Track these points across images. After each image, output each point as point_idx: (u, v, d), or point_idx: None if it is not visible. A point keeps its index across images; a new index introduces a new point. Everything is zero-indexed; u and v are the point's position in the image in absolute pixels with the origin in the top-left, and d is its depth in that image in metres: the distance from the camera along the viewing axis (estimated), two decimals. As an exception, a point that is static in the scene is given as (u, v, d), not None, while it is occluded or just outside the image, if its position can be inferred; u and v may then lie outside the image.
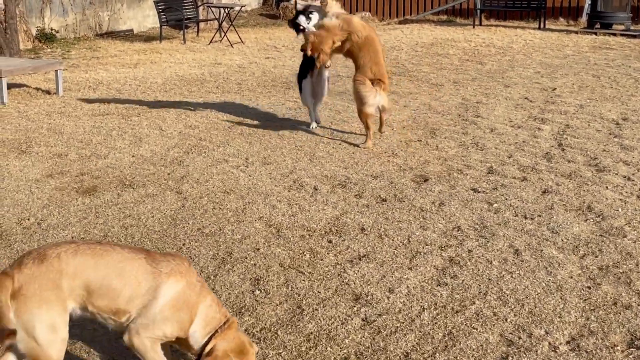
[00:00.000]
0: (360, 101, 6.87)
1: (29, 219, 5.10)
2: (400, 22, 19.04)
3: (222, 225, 5.01)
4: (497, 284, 4.14)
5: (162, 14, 15.43)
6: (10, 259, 4.35)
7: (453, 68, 11.80)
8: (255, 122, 8.00)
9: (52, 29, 14.96)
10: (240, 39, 15.45)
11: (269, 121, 8.07)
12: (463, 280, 4.18)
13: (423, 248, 4.64)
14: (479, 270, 4.32)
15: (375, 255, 4.53)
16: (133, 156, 6.66)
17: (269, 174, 6.17)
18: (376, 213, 5.25)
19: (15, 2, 12.16)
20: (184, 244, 4.70)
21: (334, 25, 6.72)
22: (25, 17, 14.30)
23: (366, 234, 4.87)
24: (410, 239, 4.80)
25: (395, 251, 4.61)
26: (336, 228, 4.98)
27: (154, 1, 15.82)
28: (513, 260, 4.45)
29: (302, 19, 7.31)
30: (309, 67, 7.35)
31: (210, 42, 15.34)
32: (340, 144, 7.10)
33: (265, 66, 12.21)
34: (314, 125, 7.66)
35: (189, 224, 5.04)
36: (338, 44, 6.77)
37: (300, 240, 4.78)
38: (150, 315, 2.85)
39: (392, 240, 4.77)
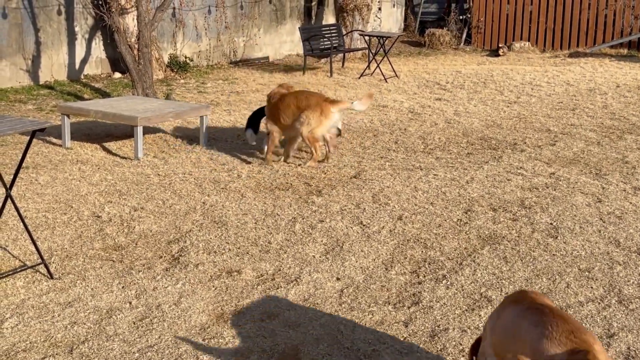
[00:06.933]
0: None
1: None
2: (570, 56, 16.29)
3: None
4: None
5: (306, 42, 13.37)
6: None
7: (695, 125, 9.03)
8: (489, 214, 5.58)
9: (185, 56, 13.14)
10: (394, 72, 13.19)
11: (505, 211, 5.63)
12: None
13: None
14: None
15: None
16: (338, 279, 4.35)
17: None
18: None
19: (150, 28, 10.30)
20: None
21: None
22: (157, 43, 12.50)
23: None
24: None
25: None
26: None
27: (299, 28, 13.79)
28: None
29: None
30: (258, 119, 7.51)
31: (361, 75, 13.13)
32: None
33: (445, 112, 9.81)
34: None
35: None
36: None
37: None
38: None
39: None
